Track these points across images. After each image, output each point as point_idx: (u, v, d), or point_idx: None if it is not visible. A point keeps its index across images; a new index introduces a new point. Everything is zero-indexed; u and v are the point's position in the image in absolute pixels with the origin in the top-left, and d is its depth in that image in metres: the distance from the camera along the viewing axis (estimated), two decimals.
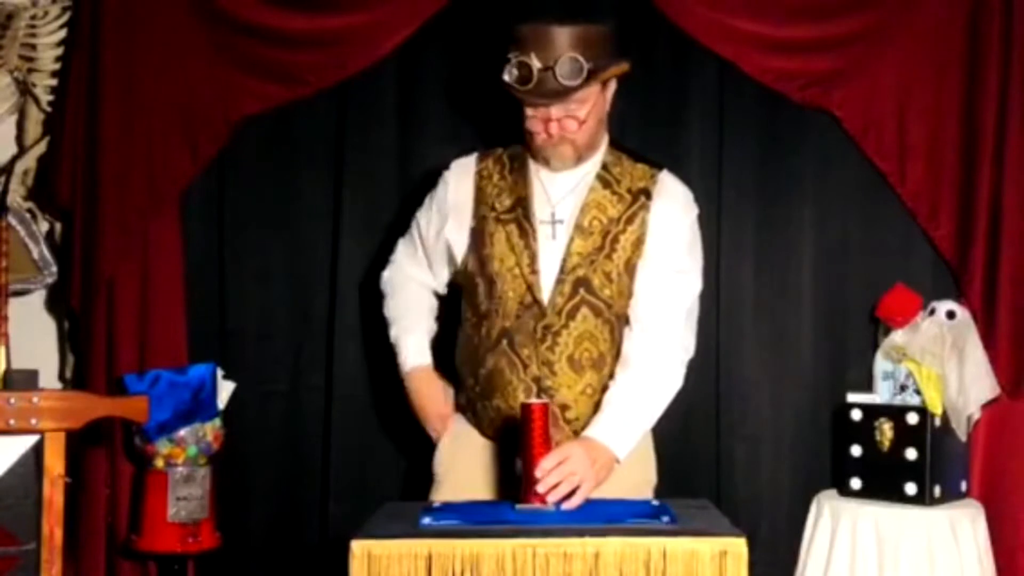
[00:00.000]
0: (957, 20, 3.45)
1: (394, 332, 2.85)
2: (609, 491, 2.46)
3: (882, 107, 3.48)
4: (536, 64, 2.50)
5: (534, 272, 2.60)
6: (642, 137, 3.50)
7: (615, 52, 2.63)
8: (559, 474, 2.32)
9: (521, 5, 3.44)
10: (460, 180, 2.74)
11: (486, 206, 2.68)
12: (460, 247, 2.71)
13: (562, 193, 2.64)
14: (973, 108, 3.44)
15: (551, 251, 2.61)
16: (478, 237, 2.67)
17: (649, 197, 2.63)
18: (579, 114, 2.56)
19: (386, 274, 2.94)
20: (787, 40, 3.47)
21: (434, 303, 2.89)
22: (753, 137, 3.57)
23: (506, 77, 2.53)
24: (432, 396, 2.78)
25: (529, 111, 2.58)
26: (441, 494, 2.67)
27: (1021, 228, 3.41)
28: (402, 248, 2.93)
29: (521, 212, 2.64)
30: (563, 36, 2.51)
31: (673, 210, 2.66)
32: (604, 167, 2.66)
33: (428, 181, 2.88)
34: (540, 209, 2.64)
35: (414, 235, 2.87)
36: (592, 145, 2.64)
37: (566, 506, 2.32)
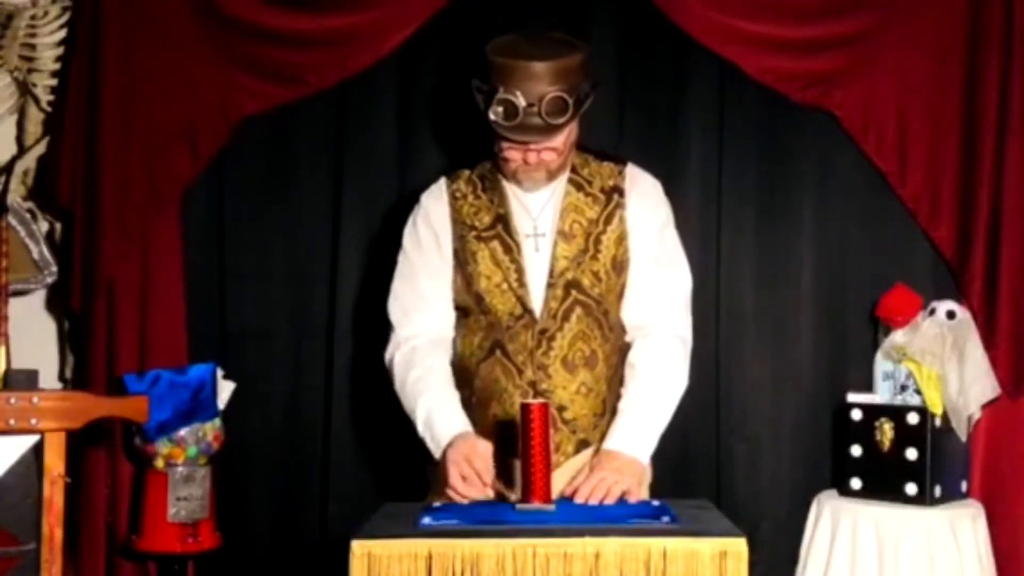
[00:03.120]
0: (957, 20, 3.45)
1: (421, 413, 2.57)
2: None
3: (882, 107, 3.48)
4: (521, 102, 2.49)
5: (523, 286, 2.61)
6: (642, 137, 3.51)
7: (589, 75, 2.62)
8: (601, 491, 2.37)
9: (520, 6, 3.45)
10: (434, 205, 2.72)
11: (465, 226, 2.67)
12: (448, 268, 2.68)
13: (540, 206, 2.65)
14: (973, 108, 3.44)
15: (537, 263, 2.62)
16: (461, 256, 2.66)
17: (622, 195, 2.66)
18: (557, 145, 2.57)
19: (388, 352, 2.70)
20: (787, 40, 3.47)
21: (448, 366, 2.66)
22: (753, 137, 3.57)
23: (491, 115, 2.52)
24: (486, 453, 2.49)
25: (505, 143, 2.57)
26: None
27: (1021, 228, 3.41)
28: (395, 307, 2.72)
29: (502, 228, 2.64)
30: (547, 72, 2.50)
31: (647, 204, 2.68)
32: (574, 169, 2.67)
33: (427, 182, 2.87)
34: (522, 224, 2.64)
35: (407, 272, 2.72)
36: (564, 166, 2.65)
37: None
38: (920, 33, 3.45)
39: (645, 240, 2.65)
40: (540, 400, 2.38)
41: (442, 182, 2.75)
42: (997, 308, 3.41)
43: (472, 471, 2.43)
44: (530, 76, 2.49)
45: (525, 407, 2.30)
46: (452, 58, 3.55)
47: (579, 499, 2.37)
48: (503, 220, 2.65)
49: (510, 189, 2.67)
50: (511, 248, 2.63)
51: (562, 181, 2.66)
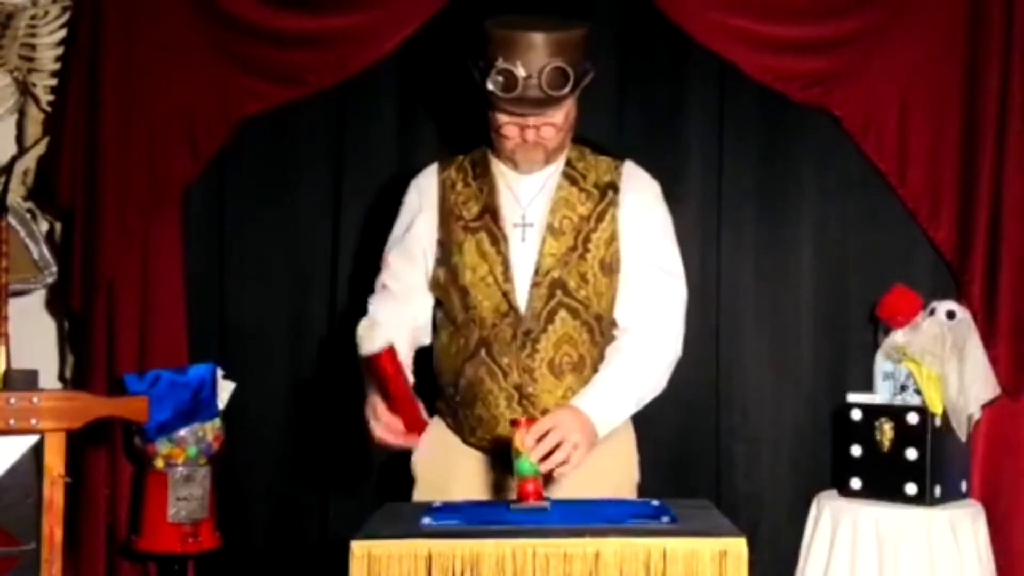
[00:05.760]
0: (957, 20, 3.45)
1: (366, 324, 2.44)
2: (591, 489, 2.45)
3: (882, 107, 3.48)
4: (520, 72, 2.45)
5: (508, 280, 2.55)
6: (642, 137, 3.50)
7: (588, 53, 2.58)
8: (553, 440, 2.29)
9: (520, 6, 3.44)
10: (423, 191, 2.68)
11: (452, 216, 2.62)
12: (431, 254, 2.65)
13: (531, 195, 2.60)
14: (973, 108, 3.44)
15: (523, 255, 2.57)
16: (446, 247, 2.62)
17: (616, 191, 2.60)
18: (556, 120, 2.53)
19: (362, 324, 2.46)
20: (787, 40, 3.47)
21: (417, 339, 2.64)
22: (753, 137, 3.57)
23: (490, 85, 2.47)
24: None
25: (503, 117, 2.53)
26: (420, 496, 2.66)
27: (1021, 228, 3.41)
28: (377, 299, 2.66)
29: (490, 218, 2.59)
30: (547, 43, 2.46)
31: (643, 202, 2.63)
32: (568, 163, 2.62)
33: None
34: (510, 212, 2.59)
35: (390, 267, 2.69)
36: (561, 148, 2.60)
37: (560, 472, 2.31)
38: (920, 33, 3.45)
39: (642, 242, 2.59)
40: (387, 347, 2.33)
41: (433, 168, 2.71)
42: (997, 308, 3.41)
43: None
44: (530, 47, 2.45)
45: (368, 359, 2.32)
46: (452, 58, 3.55)
47: (537, 454, 2.27)
48: (491, 211, 2.59)
49: (501, 176, 2.61)
50: (497, 240, 2.57)
51: (556, 170, 2.60)
